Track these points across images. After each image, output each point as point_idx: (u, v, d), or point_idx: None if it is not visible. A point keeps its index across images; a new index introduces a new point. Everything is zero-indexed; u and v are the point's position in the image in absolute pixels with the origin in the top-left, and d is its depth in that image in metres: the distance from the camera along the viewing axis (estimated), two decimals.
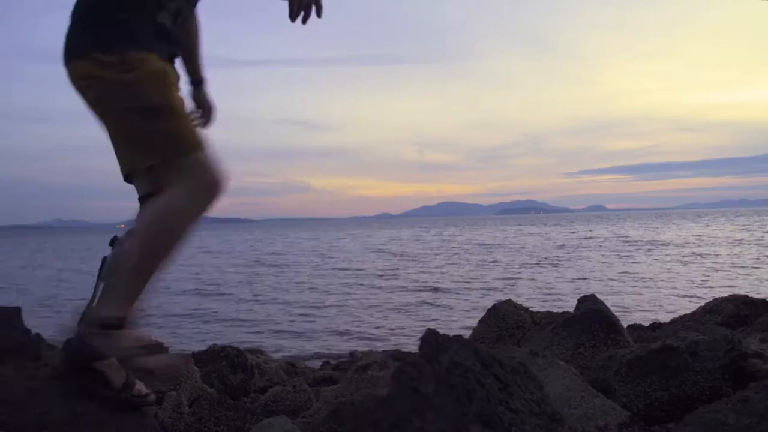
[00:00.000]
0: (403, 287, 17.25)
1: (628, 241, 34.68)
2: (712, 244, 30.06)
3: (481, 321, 4.57)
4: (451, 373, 1.62)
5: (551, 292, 14.55)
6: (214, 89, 2.19)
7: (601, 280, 16.43)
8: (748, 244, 29.89)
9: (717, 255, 23.10)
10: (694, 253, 24.98)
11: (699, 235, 38.59)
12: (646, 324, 5.56)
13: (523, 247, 30.40)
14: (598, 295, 3.67)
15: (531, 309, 4.67)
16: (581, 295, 3.84)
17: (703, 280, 15.84)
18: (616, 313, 3.57)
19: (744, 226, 54.34)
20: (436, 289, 16.27)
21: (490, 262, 24.49)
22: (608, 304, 3.62)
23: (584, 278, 16.65)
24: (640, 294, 13.63)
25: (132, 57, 1.63)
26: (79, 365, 1.57)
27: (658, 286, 14.94)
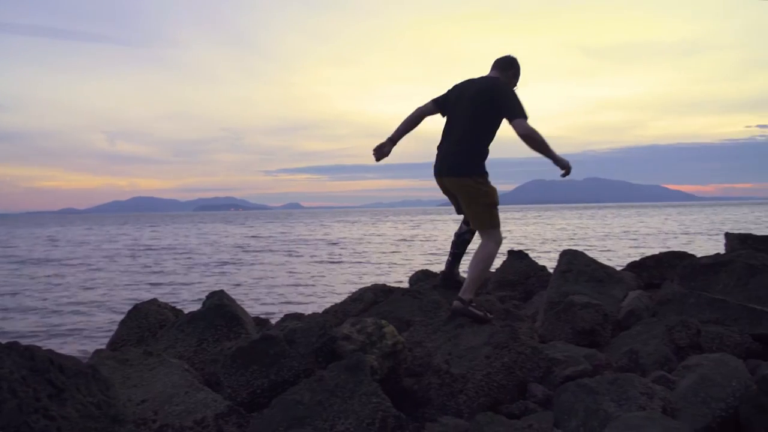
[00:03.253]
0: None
1: (307, 241, 36.00)
2: (380, 242, 33.43)
3: (122, 323, 4.37)
4: None
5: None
6: None
7: (275, 279, 16.32)
8: (411, 240, 34.19)
9: (382, 253, 25.70)
10: (365, 251, 27.44)
11: (375, 233, 42.74)
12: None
13: (192, 251, 29.00)
14: (254, 292, 3.76)
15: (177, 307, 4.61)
16: (259, 297, 3.86)
17: (365, 274, 17.46)
18: (277, 310, 3.65)
19: (415, 223, 61.95)
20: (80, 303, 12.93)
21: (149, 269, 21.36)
22: (268, 301, 3.69)
23: (259, 279, 16.48)
24: (306, 286, 14.28)
25: (486, 179, 3.91)
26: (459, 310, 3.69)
27: (325, 280, 15.97)
